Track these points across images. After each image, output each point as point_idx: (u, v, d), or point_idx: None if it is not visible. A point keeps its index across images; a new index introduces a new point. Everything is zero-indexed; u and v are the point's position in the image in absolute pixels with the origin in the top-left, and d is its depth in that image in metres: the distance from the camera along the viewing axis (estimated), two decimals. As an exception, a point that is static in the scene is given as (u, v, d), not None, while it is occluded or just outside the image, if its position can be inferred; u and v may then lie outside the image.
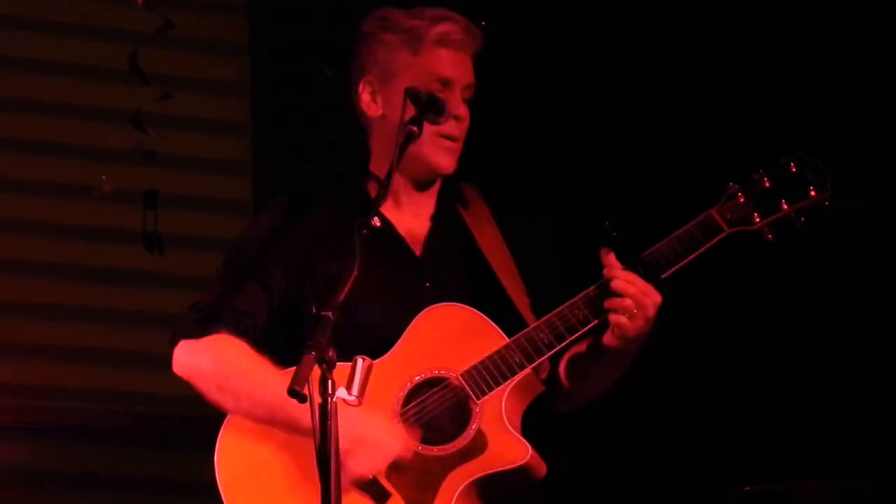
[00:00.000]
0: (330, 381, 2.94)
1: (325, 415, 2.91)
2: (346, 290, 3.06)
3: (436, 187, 3.71)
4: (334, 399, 2.93)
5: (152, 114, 5.43)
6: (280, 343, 3.58)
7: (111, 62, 5.50)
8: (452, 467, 3.44)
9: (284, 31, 5.73)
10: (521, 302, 3.58)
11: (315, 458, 2.92)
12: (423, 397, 3.48)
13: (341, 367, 3.00)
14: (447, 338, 3.51)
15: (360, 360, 3.05)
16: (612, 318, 3.43)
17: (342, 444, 2.96)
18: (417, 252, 3.65)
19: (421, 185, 3.69)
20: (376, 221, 3.24)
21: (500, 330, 3.51)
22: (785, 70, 5.77)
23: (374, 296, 3.54)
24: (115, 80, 5.50)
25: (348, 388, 3.00)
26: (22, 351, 5.39)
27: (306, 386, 2.90)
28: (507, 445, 3.44)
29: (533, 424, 3.57)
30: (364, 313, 3.52)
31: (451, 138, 3.62)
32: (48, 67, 5.52)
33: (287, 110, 5.70)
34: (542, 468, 3.50)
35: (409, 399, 3.50)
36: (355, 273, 3.08)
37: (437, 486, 3.43)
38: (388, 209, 3.63)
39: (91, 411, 5.43)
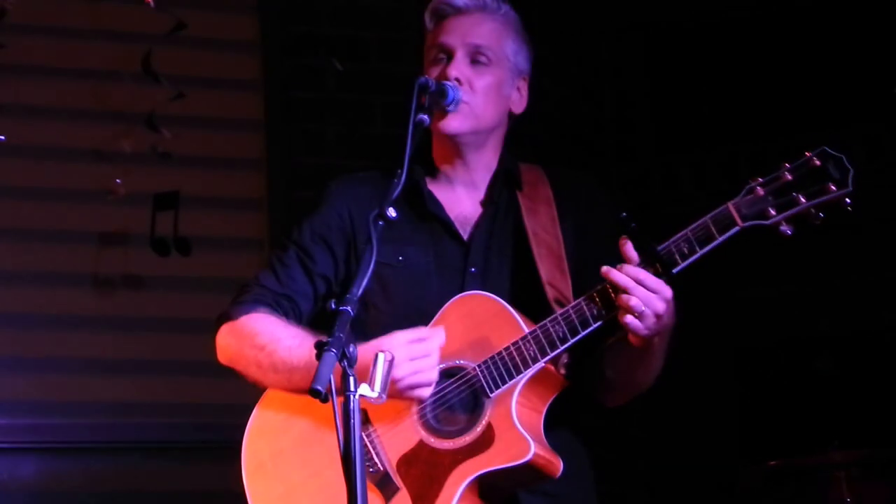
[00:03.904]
0: (352, 378, 2.90)
1: (348, 413, 2.86)
2: (363, 284, 3.03)
3: (490, 170, 3.66)
4: (356, 396, 2.88)
5: (166, 115, 5.40)
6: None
7: (123, 65, 5.48)
8: (460, 461, 3.40)
9: (295, 27, 5.71)
10: (556, 290, 3.51)
11: (338, 450, 2.87)
12: (441, 387, 3.45)
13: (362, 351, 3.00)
14: (471, 327, 3.46)
15: (381, 355, 3.01)
16: (621, 317, 3.32)
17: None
18: (465, 236, 3.61)
19: (464, 163, 3.64)
20: (392, 212, 3.22)
21: (521, 321, 3.44)
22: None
23: (419, 279, 3.55)
24: (127, 82, 5.48)
25: (370, 383, 2.97)
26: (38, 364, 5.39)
27: (328, 385, 2.85)
28: (510, 442, 3.37)
29: (568, 417, 3.52)
30: (407, 295, 3.53)
31: None
32: (61, 72, 5.51)
33: (300, 105, 5.68)
34: (552, 466, 3.41)
35: None
36: (373, 267, 3.05)
37: (442, 480, 3.40)
38: (441, 193, 3.64)
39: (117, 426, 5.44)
